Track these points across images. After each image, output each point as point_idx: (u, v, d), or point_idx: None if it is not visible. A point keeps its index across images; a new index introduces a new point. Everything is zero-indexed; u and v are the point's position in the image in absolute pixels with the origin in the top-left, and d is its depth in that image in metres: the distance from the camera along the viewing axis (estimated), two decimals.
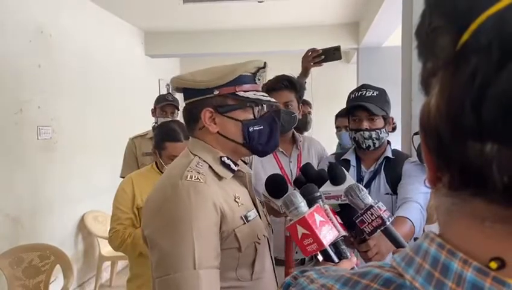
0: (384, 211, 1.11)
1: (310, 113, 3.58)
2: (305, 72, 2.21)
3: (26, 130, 3.31)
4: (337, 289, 0.37)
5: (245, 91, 1.16)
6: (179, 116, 3.14)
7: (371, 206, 1.11)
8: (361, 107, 1.67)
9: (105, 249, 3.86)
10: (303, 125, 3.35)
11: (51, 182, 3.58)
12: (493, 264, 0.29)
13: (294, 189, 1.59)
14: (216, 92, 1.14)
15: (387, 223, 1.10)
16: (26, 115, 3.29)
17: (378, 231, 1.11)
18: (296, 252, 1.57)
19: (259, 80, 1.21)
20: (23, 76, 3.27)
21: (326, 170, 1.39)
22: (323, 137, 3.08)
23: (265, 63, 1.20)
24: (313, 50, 2.20)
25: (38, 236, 3.30)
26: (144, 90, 5.20)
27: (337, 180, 1.29)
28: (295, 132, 1.94)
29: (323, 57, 2.19)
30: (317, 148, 1.97)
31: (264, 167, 1.79)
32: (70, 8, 3.88)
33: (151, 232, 1.08)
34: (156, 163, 2.14)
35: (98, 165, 4.17)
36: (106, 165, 4.21)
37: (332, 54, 2.19)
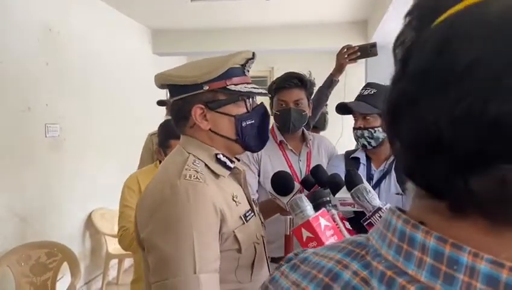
0: None
1: (327, 113, 3.53)
2: (339, 69, 2.18)
3: (34, 128, 3.32)
4: (323, 252, 0.44)
5: (235, 84, 1.11)
6: None
7: (379, 209, 1.10)
8: (351, 107, 1.68)
9: (113, 246, 3.87)
10: (321, 124, 3.32)
11: (59, 180, 3.59)
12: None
13: (303, 187, 1.58)
14: (206, 88, 1.09)
15: None
16: (34, 113, 3.30)
17: None
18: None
19: (248, 71, 1.17)
20: (31, 74, 3.28)
21: (339, 173, 1.36)
22: (333, 135, 3.05)
23: (253, 53, 1.16)
24: (349, 46, 2.18)
25: (46, 234, 3.31)
26: (151, 88, 5.18)
27: (354, 186, 1.25)
28: (305, 130, 1.92)
29: (359, 53, 2.15)
30: (327, 146, 1.95)
31: (272, 165, 1.78)
32: (78, 6, 3.89)
33: (149, 234, 1.03)
34: (160, 162, 2.10)
35: (106, 163, 4.19)
36: (114, 163, 4.22)
37: (368, 50, 2.17)
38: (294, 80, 1.80)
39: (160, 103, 3.47)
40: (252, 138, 1.16)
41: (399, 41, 0.37)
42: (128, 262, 4.33)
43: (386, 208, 1.09)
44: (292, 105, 1.79)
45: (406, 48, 0.35)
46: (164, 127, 2.12)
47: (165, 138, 2.04)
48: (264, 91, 1.21)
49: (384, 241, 0.38)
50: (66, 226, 3.70)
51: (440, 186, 0.33)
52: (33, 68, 3.31)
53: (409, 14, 0.36)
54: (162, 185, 1.06)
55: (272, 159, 1.79)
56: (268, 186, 1.47)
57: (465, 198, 0.31)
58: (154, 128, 3.16)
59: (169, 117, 3.11)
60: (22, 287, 2.77)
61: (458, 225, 0.32)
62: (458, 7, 0.32)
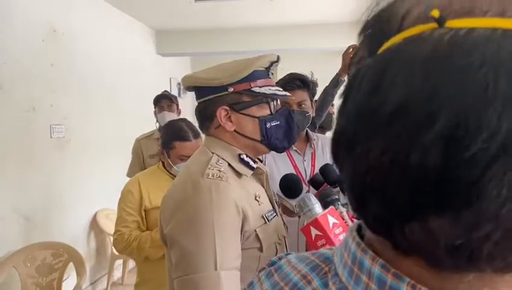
0: None
1: (333, 113, 3.53)
2: (345, 69, 2.18)
3: (39, 128, 3.33)
4: (295, 262, 0.45)
5: (260, 87, 1.13)
6: (182, 114, 3.17)
7: None
8: None
9: None
10: (327, 124, 3.31)
11: (64, 181, 3.60)
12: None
13: (309, 188, 1.57)
14: (231, 89, 1.11)
15: None
16: (39, 114, 3.31)
17: None
18: None
19: (272, 74, 1.19)
20: (35, 75, 3.29)
21: None
22: None
23: (278, 56, 1.18)
24: (354, 46, 2.18)
25: (51, 234, 3.33)
26: (155, 89, 5.19)
27: None
28: (309, 130, 1.92)
29: None
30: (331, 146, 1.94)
31: (277, 166, 1.77)
32: (82, 7, 3.90)
33: (172, 230, 1.06)
34: (163, 163, 2.09)
35: (110, 163, 4.19)
36: (118, 163, 4.22)
37: None
38: (297, 82, 1.79)
39: (156, 99, 3.30)
40: (277, 138, 1.17)
41: (355, 58, 0.35)
42: (133, 263, 4.33)
43: None
44: (295, 107, 1.78)
45: (350, 78, 0.34)
46: (168, 129, 2.11)
47: (169, 140, 2.03)
48: (288, 94, 1.22)
49: (341, 261, 0.38)
50: (71, 227, 3.72)
51: (378, 229, 0.33)
52: (38, 69, 3.32)
53: (362, 31, 0.35)
54: (186, 183, 1.09)
55: (277, 160, 1.79)
56: (274, 187, 1.47)
57: (402, 242, 0.31)
58: (153, 129, 3.17)
59: (157, 121, 3.10)
60: (28, 287, 2.78)
61: (402, 258, 0.32)
62: (397, 39, 0.30)
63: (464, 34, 0.27)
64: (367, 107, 0.30)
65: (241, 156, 1.14)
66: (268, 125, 1.14)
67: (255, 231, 1.08)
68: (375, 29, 0.33)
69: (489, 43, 0.26)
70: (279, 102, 1.22)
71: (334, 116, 3.04)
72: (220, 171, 1.07)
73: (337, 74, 2.20)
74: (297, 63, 5.34)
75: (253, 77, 1.12)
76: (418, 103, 0.27)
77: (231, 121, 1.13)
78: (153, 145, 2.97)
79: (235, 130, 1.14)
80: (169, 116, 3.06)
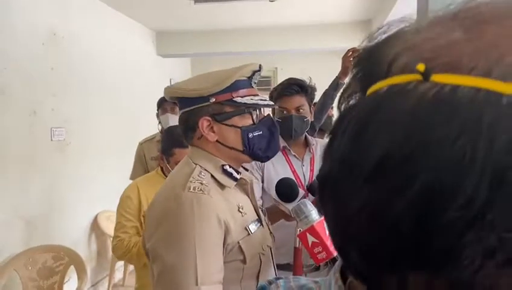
0: None
1: (333, 115, 3.54)
2: (345, 72, 2.20)
3: (39, 131, 3.34)
4: None
5: (242, 96, 1.13)
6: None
7: None
8: None
9: None
10: (327, 127, 3.32)
11: (64, 183, 3.61)
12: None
13: (307, 194, 1.57)
14: (212, 100, 1.11)
15: None
16: (39, 117, 3.32)
17: None
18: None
19: (255, 83, 1.18)
20: (36, 78, 3.30)
21: None
22: None
23: (260, 65, 1.17)
24: (354, 49, 2.19)
25: (52, 237, 3.33)
26: (155, 90, 5.20)
27: None
28: (308, 135, 1.91)
29: None
30: None
31: (276, 171, 1.77)
32: (81, 10, 3.90)
33: (153, 245, 1.05)
34: (162, 168, 2.10)
35: (111, 166, 4.20)
36: (119, 166, 4.23)
37: None
38: (295, 87, 1.80)
39: (159, 102, 3.30)
40: (260, 148, 1.17)
41: (346, 94, 0.35)
42: None
43: None
44: (294, 112, 1.78)
45: (338, 117, 0.34)
46: (168, 135, 2.11)
47: (168, 146, 2.03)
48: (270, 103, 1.22)
49: None
50: (72, 229, 3.72)
51: (359, 276, 0.33)
52: (38, 73, 3.32)
53: (355, 65, 0.35)
54: (168, 196, 1.08)
55: (275, 165, 1.79)
56: (272, 192, 1.47)
57: None
58: (155, 132, 3.17)
59: (160, 122, 3.09)
60: None
61: None
62: (384, 84, 0.30)
63: (447, 91, 0.26)
64: (349, 158, 0.30)
65: (224, 167, 1.13)
66: (250, 135, 1.14)
67: (238, 242, 1.07)
68: (366, 67, 0.33)
69: (471, 110, 0.26)
70: (263, 111, 1.21)
71: (334, 118, 3.06)
72: (201, 184, 1.07)
73: (336, 76, 2.21)
74: (297, 63, 5.34)
75: (235, 87, 1.12)
76: (396, 163, 0.27)
77: (213, 132, 1.13)
78: (155, 147, 2.98)
79: (217, 141, 1.14)
80: (172, 118, 3.07)
